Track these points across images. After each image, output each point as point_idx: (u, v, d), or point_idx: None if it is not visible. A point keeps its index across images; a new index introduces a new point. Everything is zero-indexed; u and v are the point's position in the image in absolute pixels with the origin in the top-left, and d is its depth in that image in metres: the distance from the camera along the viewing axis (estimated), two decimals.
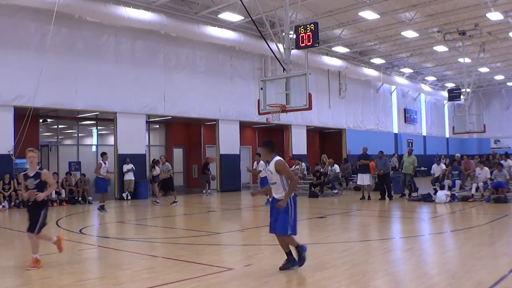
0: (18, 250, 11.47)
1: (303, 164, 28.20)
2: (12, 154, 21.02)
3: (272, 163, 8.27)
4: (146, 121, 26.50)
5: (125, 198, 24.17)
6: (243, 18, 26.45)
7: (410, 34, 31.14)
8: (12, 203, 20.68)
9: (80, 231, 13.87)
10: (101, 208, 18.70)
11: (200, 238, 12.41)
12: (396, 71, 42.79)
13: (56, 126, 27.82)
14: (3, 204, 20.29)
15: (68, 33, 22.82)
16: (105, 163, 18.90)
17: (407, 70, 43.28)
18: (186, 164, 32.67)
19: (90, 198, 22.76)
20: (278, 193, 8.28)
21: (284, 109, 18.96)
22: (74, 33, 23.06)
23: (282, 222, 8.09)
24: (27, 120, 20.17)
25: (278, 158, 8.32)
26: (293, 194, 8.23)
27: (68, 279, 8.06)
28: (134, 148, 25.06)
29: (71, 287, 7.56)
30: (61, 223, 15.80)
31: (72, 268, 9.06)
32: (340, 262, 9.00)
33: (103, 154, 19.55)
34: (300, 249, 8.33)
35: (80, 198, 22.63)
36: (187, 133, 32.64)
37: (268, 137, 33.09)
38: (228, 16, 26.47)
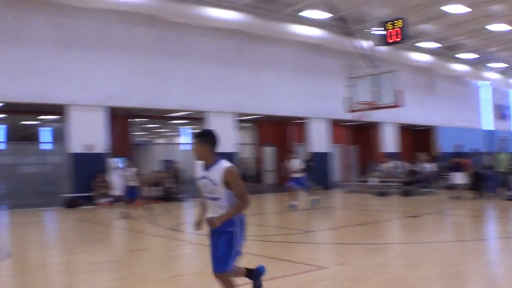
0: (115, 245, 11.80)
1: (398, 162, 27.56)
2: (106, 153, 21.72)
3: (216, 170, 5.59)
4: (236, 120, 26.72)
5: None
6: (328, 15, 26.19)
7: (499, 27, 29.84)
8: (107, 200, 21.45)
9: (175, 228, 14.11)
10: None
11: (292, 236, 12.37)
12: (487, 66, 41.16)
13: (147, 126, 28.51)
14: (100, 200, 21.09)
15: (156, 34, 23.32)
16: None
17: (499, 65, 41.51)
18: (276, 162, 32.67)
19: (183, 195, 23.19)
20: (220, 213, 5.67)
21: (373, 107, 18.68)
22: (162, 34, 23.54)
23: (221, 254, 5.77)
24: (119, 120, 20.79)
25: (228, 164, 5.63)
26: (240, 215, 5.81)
27: (163, 274, 8.22)
28: (224, 147, 25.21)
29: (167, 282, 7.70)
30: (156, 220, 16.18)
31: (167, 264, 9.28)
32: (434, 262, 8.74)
33: None
34: (254, 276, 6.43)
35: (172, 196, 23.10)
36: (276, 131, 32.62)
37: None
38: (313, 13, 26.22)
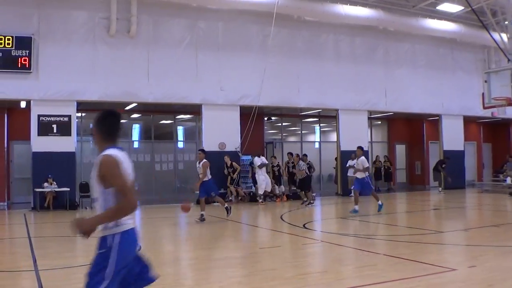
0: (245, 242, 11.88)
1: None
2: (239, 151, 22.10)
3: (95, 162, 4.25)
4: (368, 117, 26.20)
5: (350, 194, 23.98)
6: (462, 8, 24.98)
7: None
8: (239, 197, 21.78)
9: (304, 225, 14.03)
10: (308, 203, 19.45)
11: (423, 236, 11.90)
12: None
13: (280, 124, 28.71)
14: (230, 198, 21.48)
15: (288, 33, 23.42)
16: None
17: None
18: (408, 160, 31.77)
19: (314, 194, 23.05)
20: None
21: (510, 102, 17.50)
22: (294, 33, 23.62)
23: (91, 279, 4.10)
24: (252, 118, 21.12)
25: (108, 152, 4.23)
26: (126, 225, 4.17)
27: (291, 272, 8.18)
28: (356, 145, 24.77)
29: (294, 280, 7.62)
30: (285, 217, 16.18)
31: (296, 261, 9.23)
32: None
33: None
34: None
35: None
36: (409, 129, 31.72)
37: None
38: (447, 7, 25.24)
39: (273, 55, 22.44)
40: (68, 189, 19.66)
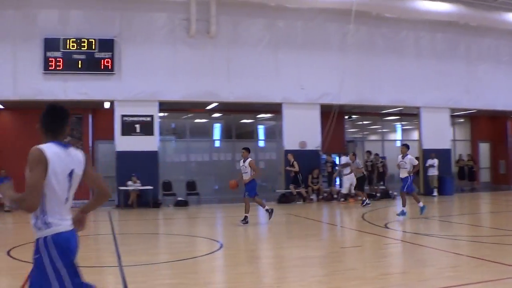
0: (325, 241, 11.76)
1: None
2: (319, 150, 21.94)
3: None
4: (450, 115, 25.44)
5: (432, 194, 23.41)
6: None
7: None
8: (320, 196, 21.62)
9: (386, 225, 13.76)
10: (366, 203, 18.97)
11: (507, 237, 11.49)
12: None
13: (361, 122, 28.37)
14: (311, 196, 21.36)
15: (367, 31, 23.10)
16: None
17: None
18: (492, 159, 30.66)
19: (394, 193, 22.61)
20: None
21: None
22: (373, 30, 23.28)
23: None
24: (333, 117, 20.93)
25: (41, 146, 4.00)
26: (57, 228, 3.94)
27: (372, 272, 8.05)
28: (438, 143, 24.27)
29: (375, 280, 7.49)
30: (366, 217, 15.92)
31: (376, 262, 9.08)
32: None
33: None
34: None
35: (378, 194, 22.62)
36: (492, 126, 30.62)
37: None
38: None
39: (353, 52, 22.13)
40: (151, 187, 20.08)
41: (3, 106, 22.04)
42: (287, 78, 21.76)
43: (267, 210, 14.50)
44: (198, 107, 23.97)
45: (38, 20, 19.94)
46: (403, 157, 15.72)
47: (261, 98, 21.74)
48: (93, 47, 19.94)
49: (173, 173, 23.17)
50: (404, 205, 15.21)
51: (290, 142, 21.76)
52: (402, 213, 15.04)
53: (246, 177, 14.56)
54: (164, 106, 21.71)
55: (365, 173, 20.64)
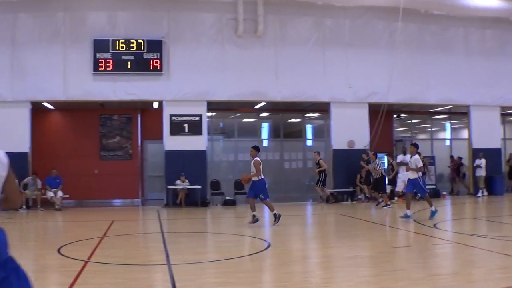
0: (373, 241, 11.63)
1: None
2: (368, 149, 21.71)
3: None
4: (500, 114, 24.83)
5: (480, 194, 22.89)
6: None
7: None
8: (367, 195, 21.43)
9: (435, 225, 13.53)
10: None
11: None
12: None
13: (409, 121, 27.99)
14: (359, 196, 21.18)
15: (415, 28, 22.77)
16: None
17: None
18: None
19: (443, 193, 22.23)
20: None
21: None
22: (421, 27, 22.93)
23: None
24: (381, 116, 20.70)
25: None
26: None
27: (420, 273, 7.92)
28: (488, 142, 23.72)
29: (423, 281, 7.35)
30: (415, 217, 15.67)
31: (425, 262, 8.96)
32: None
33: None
34: None
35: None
36: None
37: None
38: None
39: (401, 50, 21.87)
40: (200, 186, 20.22)
41: (54, 107, 22.58)
42: (335, 77, 21.64)
43: (274, 214, 14.08)
44: (246, 107, 24.05)
45: (87, 22, 20.40)
46: (410, 157, 15.21)
47: (308, 97, 21.70)
48: (142, 48, 20.23)
49: (221, 172, 23.33)
50: (408, 208, 14.72)
51: (338, 141, 21.63)
52: (406, 217, 14.58)
53: (254, 176, 14.14)
54: (212, 105, 21.88)
55: (384, 173, 20.23)
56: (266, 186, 14.44)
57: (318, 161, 21.37)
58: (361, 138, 21.89)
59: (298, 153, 25.09)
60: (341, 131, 21.84)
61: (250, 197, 14.35)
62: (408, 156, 16.59)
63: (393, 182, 20.45)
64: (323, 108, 22.96)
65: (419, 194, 18.42)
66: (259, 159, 14.14)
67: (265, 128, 26.06)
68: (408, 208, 14.71)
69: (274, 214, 14.01)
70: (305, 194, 23.91)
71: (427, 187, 20.06)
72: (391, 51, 21.49)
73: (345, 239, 11.99)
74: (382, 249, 10.50)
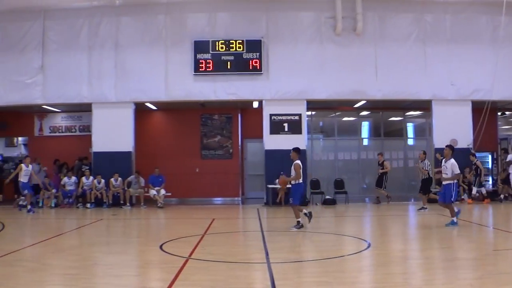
0: (476, 243, 11.21)
1: None
2: (471, 148, 20.95)
3: None
4: None
5: None
6: None
7: None
8: (472, 195, 20.68)
9: None
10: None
11: None
12: None
13: None
14: (462, 196, 20.38)
15: None
16: None
17: None
18: None
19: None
20: None
21: None
22: None
23: None
24: (485, 113, 19.88)
25: None
26: None
27: None
28: None
29: None
30: None
31: None
32: None
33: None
34: None
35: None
36: None
37: None
38: None
39: (505, 45, 20.92)
40: None
41: (156, 107, 23.26)
42: (436, 74, 21.06)
43: (298, 222, 13.33)
44: (345, 105, 23.81)
45: (187, 24, 20.94)
46: (445, 161, 13.88)
47: (409, 95, 21.22)
48: (241, 48, 20.45)
49: (321, 172, 23.20)
50: (452, 215, 13.41)
51: (440, 140, 20.90)
52: (453, 223, 13.34)
53: (293, 180, 13.51)
54: (311, 104, 21.80)
55: (431, 175, 19.09)
56: (302, 192, 14.05)
57: (382, 162, 21.06)
58: (464, 136, 21.12)
59: (399, 152, 24.57)
60: (443, 129, 21.17)
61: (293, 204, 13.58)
62: None
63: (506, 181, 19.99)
64: (424, 106, 22.44)
65: None
66: (299, 162, 13.52)
67: (365, 127, 25.69)
68: (452, 215, 13.47)
69: (298, 222, 13.30)
70: (406, 193, 23.39)
71: None
72: (494, 47, 20.70)
73: (446, 240, 11.65)
74: (486, 251, 10.17)
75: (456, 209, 13.55)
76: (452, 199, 13.50)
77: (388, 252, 10.16)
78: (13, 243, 11.65)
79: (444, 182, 13.74)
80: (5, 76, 21.10)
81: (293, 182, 13.49)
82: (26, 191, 18.94)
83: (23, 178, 18.90)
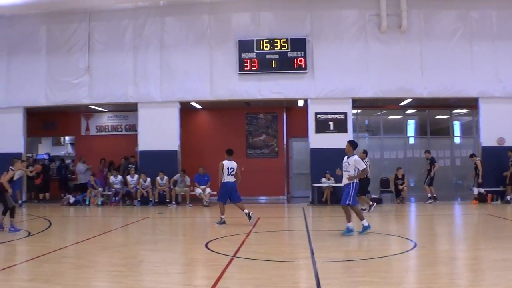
0: None
1: None
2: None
3: None
4: None
5: None
6: None
7: None
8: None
9: None
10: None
11: None
12: None
13: None
14: (508, 197, 19.85)
15: None
16: None
17: None
18: None
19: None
20: None
21: None
22: None
23: None
24: None
25: None
26: None
27: None
28: None
29: None
30: None
31: None
32: None
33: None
34: None
35: None
36: None
37: None
38: None
39: None
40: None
41: (201, 106, 23.40)
42: (483, 71, 20.63)
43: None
44: (391, 104, 23.49)
45: (231, 23, 21.07)
46: (348, 157, 12.27)
47: (456, 93, 20.81)
48: (286, 47, 20.41)
49: None
50: (349, 220, 11.97)
51: (488, 138, 20.60)
52: (348, 231, 11.88)
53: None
54: (357, 103, 21.63)
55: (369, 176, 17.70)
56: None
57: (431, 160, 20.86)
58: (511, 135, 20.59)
59: (445, 150, 24.13)
60: (491, 127, 20.77)
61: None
62: None
63: None
64: (471, 104, 22.07)
65: None
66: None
67: (411, 125, 25.32)
68: (348, 220, 12.02)
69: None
70: (453, 192, 23.03)
71: None
72: None
73: (494, 240, 11.35)
74: None
75: (365, 223, 12.13)
76: (349, 201, 11.94)
77: (435, 252, 10.01)
78: (60, 240, 11.89)
79: (343, 183, 12.30)
80: (52, 77, 21.61)
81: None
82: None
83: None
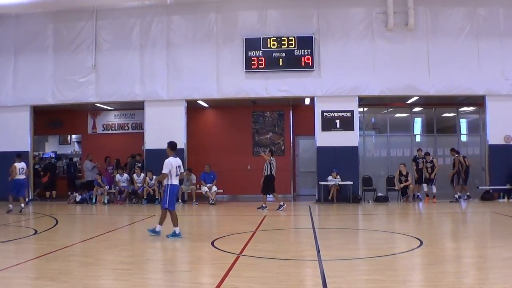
0: None
1: None
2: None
3: None
4: None
5: None
6: None
7: None
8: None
9: None
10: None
11: None
12: None
13: None
14: None
15: None
16: None
17: None
18: None
19: None
20: None
21: None
22: None
23: None
24: None
25: None
26: None
27: None
28: None
29: None
30: None
31: None
32: None
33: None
34: None
35: None
36: None
37: None
38: None
39: None
40: (351, 182, 20.03)
41: (208, 104, 23.43)
42: (490, 69, 20.56)
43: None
44: (398, 101, 23.43)
45: (238, 22, 21.09)
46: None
47: (462, 91, 20.79)
48: (293, 45, 20.42)
49: (373, 168, 22.94)
50: (160, 223, 11.85)
51: (494, 136, 20.55)
52: (154, 232, 11.83)
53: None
54: (363, 101, 21.61)
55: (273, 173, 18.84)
56: None
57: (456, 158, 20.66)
58: None
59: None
60: (497, 125, 20.70)
61: None
62: None
63: None
64: (478, 101, 22.02)
65: None
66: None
67: (417, 123, 25.26)
68: (160, 223, 11.92)
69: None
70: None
71: None
72: None
73: (501, 239, 11.34)
74: None
75: (158, 228, 11.81)
76: (166, 205, 11.73)
77: (441, 250, 9.97)
78: (67, 238, 11.91)
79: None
80: (59, 76, 21.69)
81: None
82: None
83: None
